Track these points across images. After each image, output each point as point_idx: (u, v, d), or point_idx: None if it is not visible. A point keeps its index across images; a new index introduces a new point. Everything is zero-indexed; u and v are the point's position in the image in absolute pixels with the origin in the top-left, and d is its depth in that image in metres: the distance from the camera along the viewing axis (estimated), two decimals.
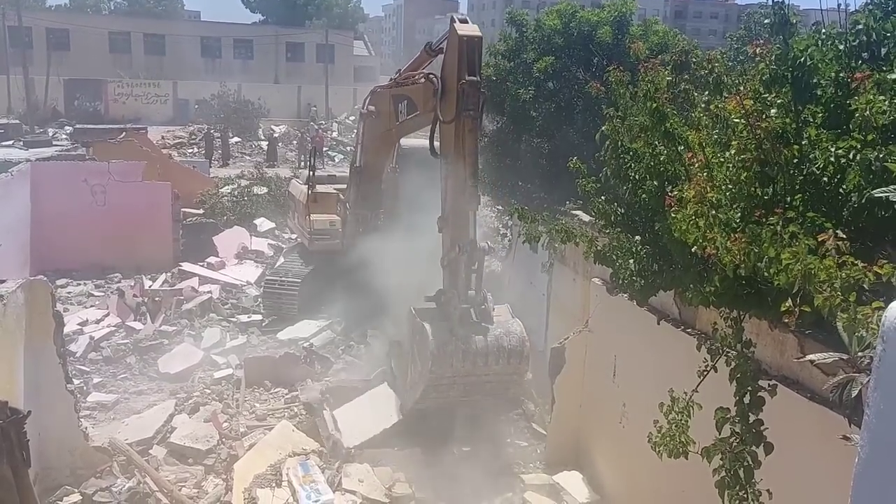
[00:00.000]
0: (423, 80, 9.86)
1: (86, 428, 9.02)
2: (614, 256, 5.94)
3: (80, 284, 16.40)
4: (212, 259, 17.57)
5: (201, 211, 20.52)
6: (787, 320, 3.68)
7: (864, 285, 3.26)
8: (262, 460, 8.84)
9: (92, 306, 14.94)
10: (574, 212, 10.27)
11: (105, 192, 17.33)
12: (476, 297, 8.73)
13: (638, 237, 5.96)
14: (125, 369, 12.15)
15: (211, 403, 10.70)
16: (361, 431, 9.37)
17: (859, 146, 3.97)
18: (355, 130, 15.11)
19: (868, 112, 3.88)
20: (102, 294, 15.80)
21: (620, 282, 5.93)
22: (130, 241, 17.06)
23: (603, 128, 6.35)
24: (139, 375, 11.97)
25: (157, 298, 14.61)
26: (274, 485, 8.42)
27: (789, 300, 3.60)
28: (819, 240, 3.57)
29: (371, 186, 12.81)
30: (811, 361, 3.80)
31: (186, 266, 16.88)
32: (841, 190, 4.14)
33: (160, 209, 17.75)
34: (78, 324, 13.49)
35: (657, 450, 4.50)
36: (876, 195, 3.49)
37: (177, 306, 14.39)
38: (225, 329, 13.72)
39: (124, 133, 24.72)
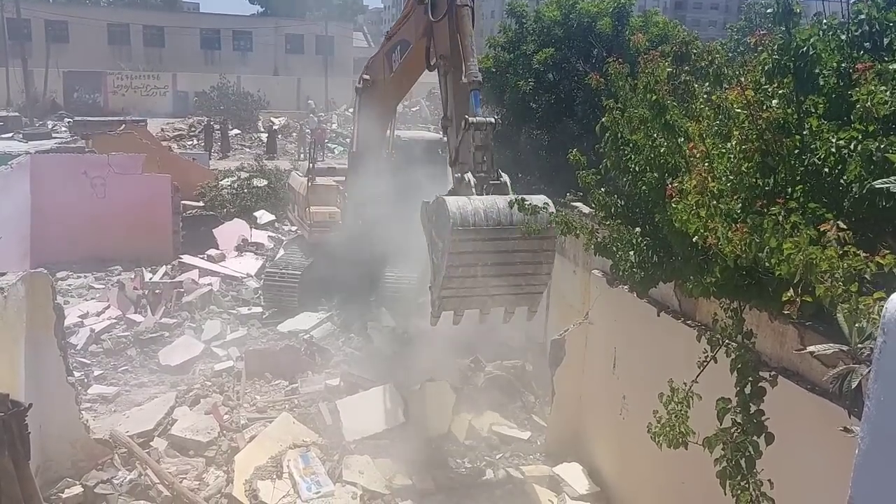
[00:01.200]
0: (416, 5, 9.89)
1: (87, 420, 9.03)
2: (614, 248, 5.92)
3: (80, 277, 16.39)
4: (212, 251, 17.56)
5: (201, 203, 20.50)
6: (787, 311, 3.67)
7: (866, 276, 3.25)
8: (263, 452, 8.86)
9: (92, 299, 14.94)
10: (574, 203, 10.25)
11: (105, 185, 17.31)
12: (489, 173, 8.14)
13: (638, 229, 5.95)
14: (126, 361, 12.16)
15: (211, 395, 10.71)
16: (363, 427, 9.37)
17: (860, 137, 3.96)
18: (352, 117, 15.11)
19: (869, 103, 3.87)
20: (103, 286, 15.80)
21: (620, 273, 5.92)
22: (130, 233, 17.06)
23: (603, 119, 6.33)
24: (140, 368, 11.98)
25: (157, 291, 14.62)
26: (275, 476, 8.44)
27: (790, 290, 3.59)
28: (820, 230, 3.56)
29: (368, 171, 12.82)
30: (811, 353, 3.80)
31: (186, 258, 16.89)
32: (842, 181, 4.12)
33: (160, 202, 17.73)
34: (78, 316, 13.49)
35: (657, 440, 4.50)
36: (877, 186, 3.48)
37: (177, 299, 14.39)
38: (225, 321, 13.73)
39: (124, 125, 24.72)
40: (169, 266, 16.45)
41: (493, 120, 8.43)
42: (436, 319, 8.20)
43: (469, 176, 7.99)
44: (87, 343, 12.55)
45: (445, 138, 9.31)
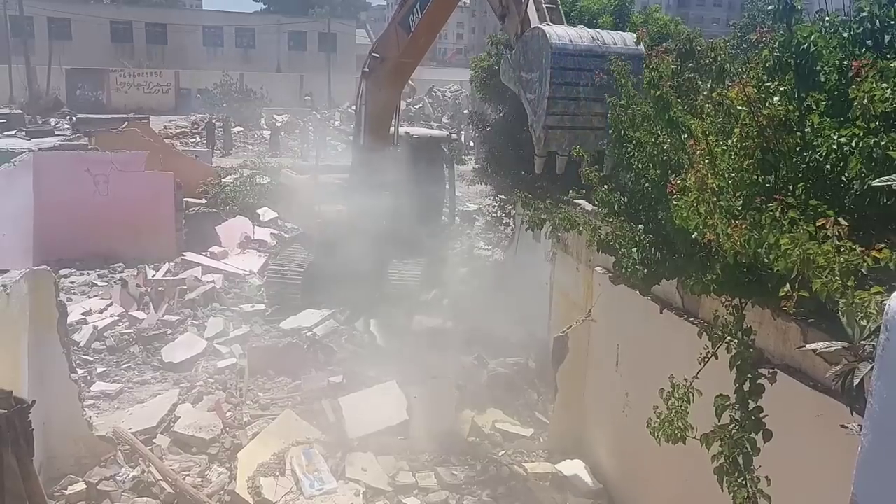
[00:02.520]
0: None
1: (90, 417, 9.05)
2: (617, 245, 5.93)
3: (83, 274, 16.43)
4: (214, 249, 17.58)
5: (204, 201, 20.51)
6: (785, 306, 3.68)
7: (863, 270, 3.26)
8: (266, 449, 8.87)
9: (95, 296, 14.97)
10: (577, 201, 10.25)
11: (108, 182, 17.33)
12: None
13: (641, 226, 5.95)
14: (129, 359, 12.18)
15: (214, 393, 10.73)
16: (366, 424, 9.38)
17: (861, 134, 3.96)
18: (356, 110, 15.11)
19: (867, 101, 3.88)
20: (106, 284, 15.83)
21: (623, 270, 5.92)
22: (133, 230, 17.08)
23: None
24: (143, 365, 12.01)
25: (160, 288, 14.64)
26: (278, 473, 8.46)
27: (788, 285, 3.60)
28: (818, 225, 3.57)
29: (375, 163, 12.83)
30: (813, 350, 3.79)
31: (189, 256, 16.89)
32: (843, 178, 4.12)
33: (163, 199, 17.75)
34: (81, 313, 13.52)
35: (656, 435, 4.51)
36: (876, 184, 3.47)
37: (180, 296, 14.41)
38: (228, 319, 13.74)
39: (126, 123, 24.70)
40: (172, 263, 16.46)
41: None
42: (541, 161, 8.48)
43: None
44: (90, 340, 12.57)
45: (503, 27, 9.72)
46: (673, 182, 4.83)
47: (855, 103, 4.01)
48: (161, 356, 12.11)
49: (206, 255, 17.11)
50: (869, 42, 4.70)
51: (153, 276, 15.40)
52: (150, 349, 12.42)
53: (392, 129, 13.65)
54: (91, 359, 12.07)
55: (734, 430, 4.13)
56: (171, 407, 10.13)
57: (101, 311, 13.88)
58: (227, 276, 15.88)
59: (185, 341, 12.49)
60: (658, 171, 5.51)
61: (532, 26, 8.52)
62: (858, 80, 4.11)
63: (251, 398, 10.63)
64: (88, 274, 16.46)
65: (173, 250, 17.24)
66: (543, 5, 8.98)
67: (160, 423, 9.69)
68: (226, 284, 15.49)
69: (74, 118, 36.27)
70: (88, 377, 11.27)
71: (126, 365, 12.00)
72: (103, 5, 63.94)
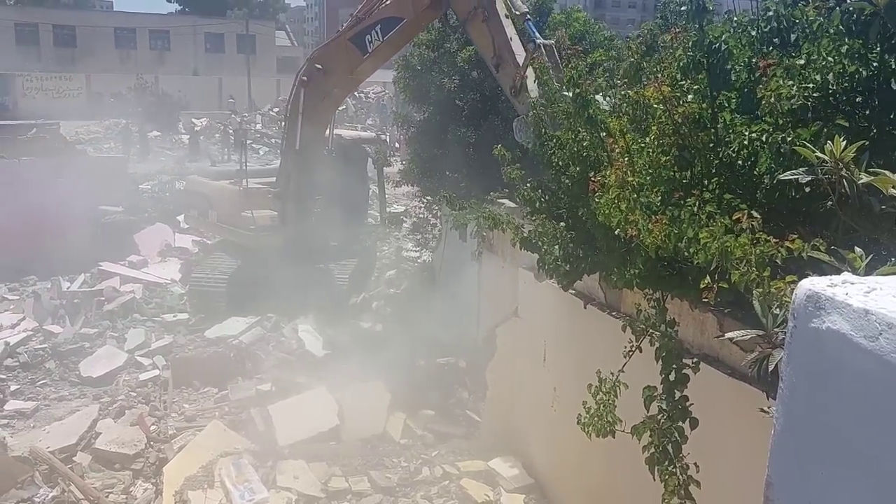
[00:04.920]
0: None
1: (4, 438, 8.63)
2: (540, 242, 6.01)
3: None
4: (133, 257, 16.98)
5: (120, 208, 19.80)
6: (705, 298, 3.81)
7: (777, 260, 3.40)
8: (193, 461, 8.63)
9: (6, 311, 14.27)
10: (500, 200, 10.36)
11: (16, 192, 16.53)
12: None
13: (562, 223, 6.05)
14: (44, 375, 11.67)
15: (137, 406, 10.38)
16: (297, 431, 9.24)
17: (770, 130, 4.13)
18: (283, 120, 14.88)
19: (774, 98, 4.05)
20: (17, 297, 15.10)
21: (546, 267, 6.01)
22: (45, 241, 16.30)
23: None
24: (59, 381, 11.51)
25: (76, 300, 14.06)
26: (206, 486, 8.23)
27: (708, 277, 3.73)
28: (734, 219, 3.71)
29: (312, 168, 12.71)
30: (730, 339, 3.94)
31: (106, 265, 16.24)
32: (755, 173, 4.29)
33: (75, 207, 17.03)
34: None
35: (586, 430, 4.60)
36: (784, 178, 3.63)
37: (97, 307, 13.88)
38: (150, 329, 13.30)
39: (35, 129, 23.63)
40: (88, 274, 15.82)
41: (553, 41, 9.27)
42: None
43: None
44: (2, 357, 11.99)
45: (497, 77, 9.91)
46: (594, 180, 4.93)
47: (763, 101, 4.18)
48: (79, 371, 11.64)
49: (124, 265, 16.50)
50: (776, 40, 4.92)
51: (68, 287, 14.77)
52: (66, 364, 11.92)
53: (328, 133, 13.57)
54: (3, 376, 11.50)
55: (662, 420, 4.25)
56: (92, 423, 9.74)
57: (12, 327, 13.24)
58: (148, 286, 15.36)
59: (105, 354, 12.03)
60: (578, 169, 5.61)
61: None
62: (765, 78, 4.30)
63: (176, 410, 10.32)
64: None
65: (89, 260, 16.53)
66: (541, 55, 8.99)
67: (80, 439, 9.32)
68: (146, 294, 14.97)
69: None
70: (1, 396, 10.74)
71: (42, 381, 11.48)
72: (6, 7, 60.99)
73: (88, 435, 9.44)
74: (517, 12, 9.68)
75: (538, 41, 9.07)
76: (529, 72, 8.86)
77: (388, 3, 11.01)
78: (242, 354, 11.70)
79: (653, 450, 4.27)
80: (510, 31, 9.68)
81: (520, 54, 9.33)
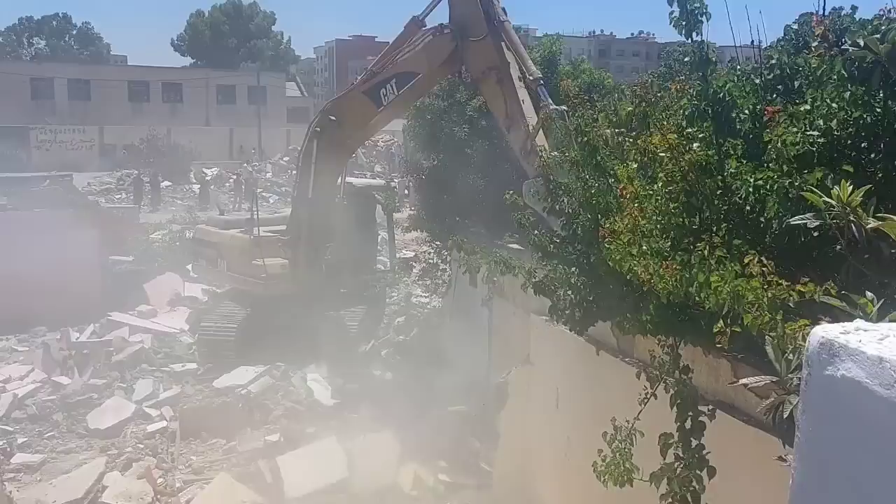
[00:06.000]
0: (427, 39, 10.41)
1: (10, 492, 8.55)
2: (552, 287, 6.01)
3: (1, 340, 15.65)
4: (143, 307, 17.01)
5: (131, 258, 19.93)
6: (719, 342, 3.79)
7: (790, 304, 3.38)
8: None
9: (15, 362, 14.26)
10: (511, 245, 10.39)
11: (29, 243, 16.67)
12: None
13: (574, 268, 6.05)
14: (52, 427, 11.59)
15: (144, 459, 10.29)
16: (306, 483, 9.13)
17: (776, 176, 4.16)
18: (295, 168, 15.07)
19: (780, 144, 4.10)
20: (27, 348, 15.11)
21: (559, 313, 5.99)
22: (56, 291, 16.33)
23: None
24: (67, 433, 11.43)
25: (84, 351, 14.05)
26: None
27: (720, 322, 3.71)
28: (744, 263, 3.71)
29: (324, 217, 12.83)
30: (744, 385, 3.89)
31: (116, 315, 16.27)
32: (763, 218, 4.30)
33: (86, 258, 17.15)
34: (0, 381, 12.85)
35: (602, 478, 4.52)
36: (793, 223, 3.64)
37: (106, 358, 13.86)
38: (158, 380, 13.25)
39: (48, 181, 23.96)
40: (97, 324, 15.85)
41: (565, 108, 9.15)
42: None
43: None
44: (10, 409, 11.93)
45: (508, 139, 10.09)
46: (604, 226, 4.95)
47: (769, 147, 4.22)
48: (87, 423, 11.56)
49: (133, 315, 16.53)
50: (780, 88, 4.98)
51: (77, 338, 14.79)
52: (74, 416, 11.85)
53: (339, 181, 13.74)
54: (11, 429, 11.43)
55: (679, 468, 4.18)
56: (98, 476, 9.65)
57: (21, 378, 13.21)
58: (157, 336, 15.36)
59: (112, 406, 11.97)
60: (588, 216, 5.64)
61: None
62: (771, 124, 4.34)
63: (183, 462, 10.23)
64: (7, 339, 15.69)
65: (98, 310, 16.58)
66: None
67: (86, 493, 9.22)
68: (155, 344, 14.96)
69: None
70: (8, 449, 10.68)
71: (49, 434, 11.40)
72: (23, 62, 62.36)
73: (95, 488, 9.35)
74: (531, 77, 9.79)
75: (551, 107, 9.12)
76: (540, 135, 8.96)
77: (404, 58, 11.23)
78: (251, 404, 11.62)
79: (671, 499, 4.20)
80: (522, 94, 9.79)
81: (531, 118, 9.41)
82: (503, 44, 10.17)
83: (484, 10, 10.22)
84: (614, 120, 5.95)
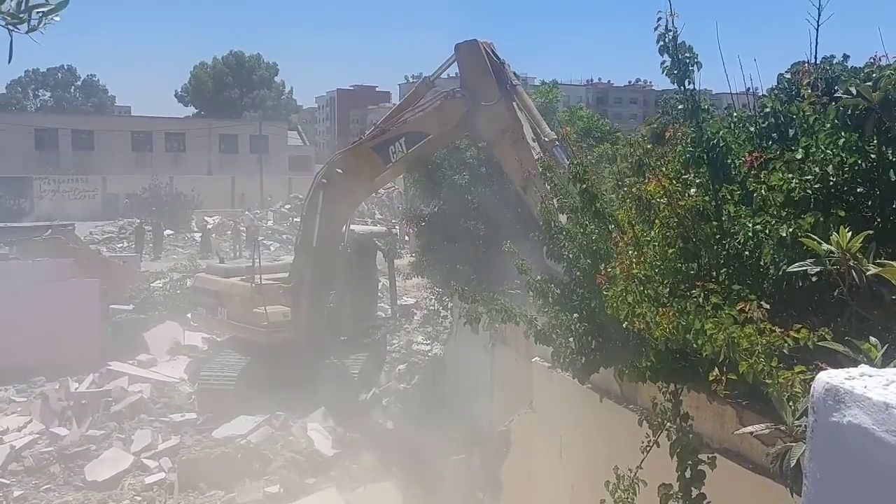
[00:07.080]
0: (438, 102, 10.52)
1: None
2: (554, 335, 5.98)
3: (0, 390, 15.52)
4: (142, 356, 16.90)
5: (131, 307, 19.89)
6: (716, 389, 3.76)
7: (784, 350, 3.38)
8: None
9: (13, 413, 14.11)
10: (512, 291, 10.38)
11: (30, 292, 16.66)
12: None
13: (576, 315, 6.03)
14: (48, 479, 11.43)
15: None
16: None
17: (773, 222, 4.18)
18: (300, 216, 15.19)
19: (765, 190, 4.15)
20: (25, 399, 14.97)
21: (561, 360, 5.95)
22: (55, 341, 16.28)
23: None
24: (64, 485, 11.27)
25: (83, 401, 13.92)
26: None
27: (716, 369, 3.70)
28: (740, 309, 3.71)
29: (328, 264, 12.87)
30: (750, 433, 3.85)
31: (115, 365, 16.15)
32: (761, 263, 4.31)
33: (87, 307, 17.10)
34: None
35: None
36: (791, 270, 3.65)
37: (105, 409, 13.72)
38: (156, 430, 13.10)
39: (50, 230, 24.09)
40: (96, 374, 15.72)
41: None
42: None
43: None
44: (7, 462, 11.78)
45: (525, 200, 10.01)
46: (601, 273, 4.95)
47: (755, 194, 4.26)
48: (84, 475, 11.41)
49: (132, 364, 16.42)
50: (774, 135, 5.04)
51: (76, 388, 14.66)
52: (71, 468, 11.70)
53: (344, 230, 13.83)
54: (7, 482, 11.27)
55: None
56: None
57: (19, 430, 13.06)
58: (156, 385, 15.23)
59: (110, 457, 11.82)
60: (588, 261, 5.64)
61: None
62: (753, 171, 4.39)
63: None
64: (6, 390, 15.55)
65: (98, 360, 16.47)
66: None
67: None
68: (154, 394, 14.82)
69: None
70: (4, 502, 10.49)
71: (46, 486, 11.24)
72: (27, 113, 63.20)
73: None
74: (546, 138, 9.91)
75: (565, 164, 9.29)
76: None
77: (415, 117, 11.38)
78: (250, 455, 11.47)
79: None
80: (538, 153, 9.91)
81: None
82: (515, 104, 10.31)
83: (496, 75, 10.35)
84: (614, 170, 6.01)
